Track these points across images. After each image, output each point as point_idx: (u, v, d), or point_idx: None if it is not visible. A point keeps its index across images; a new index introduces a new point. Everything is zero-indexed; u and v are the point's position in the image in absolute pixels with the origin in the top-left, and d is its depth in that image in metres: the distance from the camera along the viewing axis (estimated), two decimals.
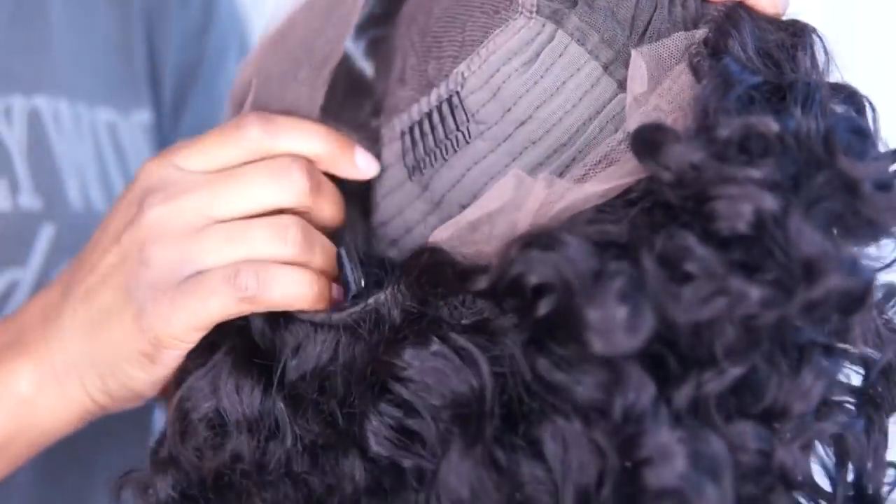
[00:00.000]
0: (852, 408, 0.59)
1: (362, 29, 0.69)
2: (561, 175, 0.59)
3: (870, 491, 0.59)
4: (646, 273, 0.52)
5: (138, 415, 0.75)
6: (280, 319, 0.62)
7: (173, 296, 0.61)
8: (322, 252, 0.63)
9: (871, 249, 0.56)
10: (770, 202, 0.52)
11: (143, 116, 0.92)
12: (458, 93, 0.60)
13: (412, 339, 0.57)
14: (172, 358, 0.63)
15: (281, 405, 0.60)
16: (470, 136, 0.60)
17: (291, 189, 0.63)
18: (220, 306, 0.61)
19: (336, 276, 0.63)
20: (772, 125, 0.54)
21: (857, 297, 0.53)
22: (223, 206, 0.62)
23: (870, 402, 0.60)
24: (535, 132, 0.59)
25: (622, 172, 0.57)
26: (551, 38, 0.59)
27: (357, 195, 0.66)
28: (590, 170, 0.58)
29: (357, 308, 0.60)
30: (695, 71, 0.58)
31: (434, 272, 0.58)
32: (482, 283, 0.56)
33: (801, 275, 0.52)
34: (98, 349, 0.64)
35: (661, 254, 0.53)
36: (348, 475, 0.57)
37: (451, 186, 0.61)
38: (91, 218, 0.84)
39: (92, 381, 0.65)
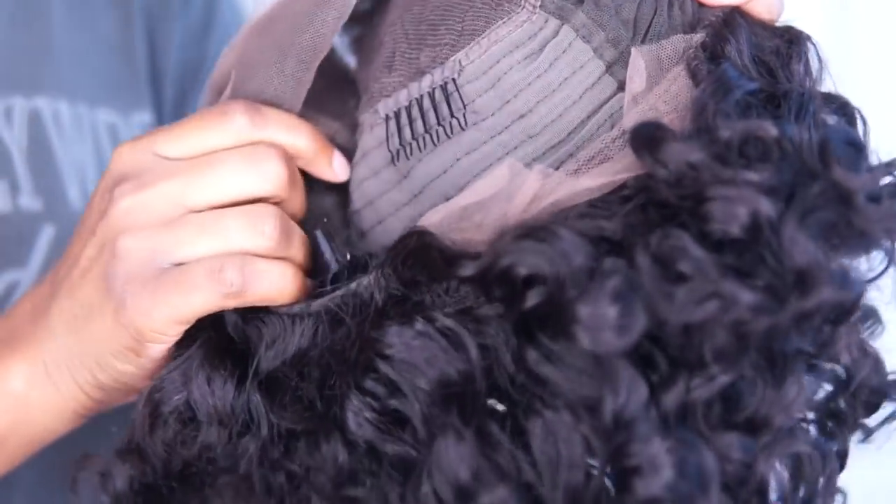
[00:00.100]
0: (813, 426, 0.59)
1: (348, 24, 0.69)
2: (555, 170, 0.59)
3: None
4: (640, 271, 0.52)
5: None
6: (255, 312, 0.61)
7: (154, 290, 0.60)
8: (298, 243, 0.62)
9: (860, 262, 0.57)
10: (767, 207, 0.52)
11: (143, 117, 0.92)
12: (454, 80, 0.60)
13: (397, 319, 0.57)
14: (158, 350, 0.62)
15: (256, 396, 0.59)
16: (466, 124, 0.60)
17: (269, 178, 0.62)
18: (203, 301, 0.60)
19: (308, 267, 0.63)
20: (771, 130, 0.54)
21: (846, 310, 0.53)
22: (197, 194, 0.61)
23: (834, 421, 0.60)
24: (534, 126, 0.59)
25: (616, 169, 0.57)
26: (555, 33, 0.59)
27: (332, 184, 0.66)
28: (583, 165, 0.58)
29: (339, 293, 0.60)
30: (693, 74, 0.59)
31: (422, 255, 0.58)
32: (471, 268, 0.56)
33: (793, 284, 0.52)
34: (84, 345, 0.64)
35: (655, 252, 0.53)
36: (328, 460, 0.57)
37: (437, 175, 0.61)
38: None
39: (83, 376, 0.65)
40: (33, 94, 0.86)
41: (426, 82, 0.61)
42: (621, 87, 0.59)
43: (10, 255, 0.82)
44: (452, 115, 0.60)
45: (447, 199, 0.60)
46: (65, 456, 0.76)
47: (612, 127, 0.59)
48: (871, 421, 0.62)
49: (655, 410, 0.53)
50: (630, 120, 0.58)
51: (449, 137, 0.60)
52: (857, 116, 0.59)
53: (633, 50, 0.59)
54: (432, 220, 0.59)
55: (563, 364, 0.53)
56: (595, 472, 0.53)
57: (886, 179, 0.56)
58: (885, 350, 0.61)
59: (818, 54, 0.61)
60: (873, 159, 0.57)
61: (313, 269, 0.63)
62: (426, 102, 0.61)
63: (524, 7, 0.59)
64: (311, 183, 0.66)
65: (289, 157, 0.63)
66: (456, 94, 0.60)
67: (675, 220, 0.54)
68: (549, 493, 0.53)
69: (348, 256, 0.62)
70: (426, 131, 0.61)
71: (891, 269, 0.57)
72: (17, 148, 0.84)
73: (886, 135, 0.61)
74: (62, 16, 0.89)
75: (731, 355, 0.53)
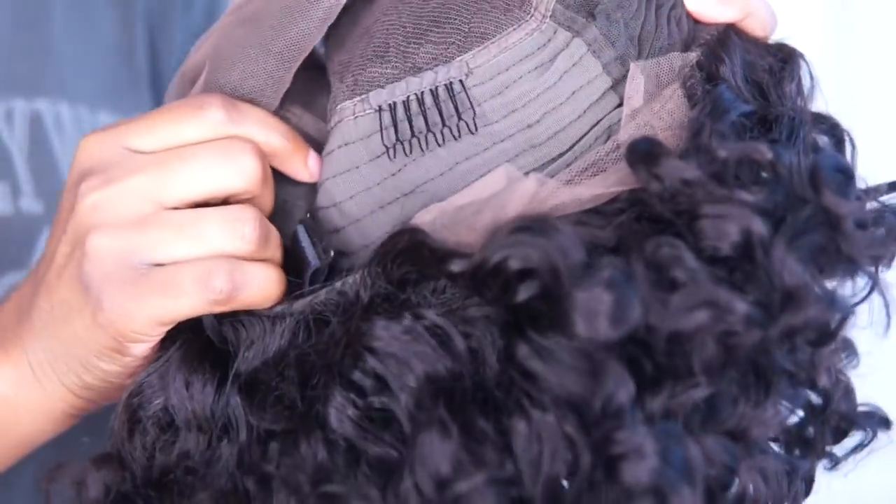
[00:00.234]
0: (782, 447, 0.60)
1: None
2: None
3: None
4: (635, 273, 0.53)
5: None
6: (234, 314, 0.60)
7: (136, 291, 0.59)
8: (275, 243, 0.61)
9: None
10: (759, 226, 0.53)
11: None
12: (461, 81, 0.59)
13: (385, 315, 0.56)
14: (142, 349, 0.61)
15: (236, 399, 0.58)
16: (476, 129, 0.59)
17: (243, 174, 0.60)
18: (189, 306, 0.59)
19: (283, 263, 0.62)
20: (766, 154, 0.55)
21: (831, 331, 0.54)
22: (170, 190, 0.59)
23: (802, 445, 0.61)
24: (538, 136, 0.59)
25: (610, 181, 0.58)
26: (566, 45, 0.59)
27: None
28: (576, 175, 0.58)
29: (322, 292, 0.59)
30: (688, 93, 0.59)
31: (413, 253, 0.57)
32: (463, 265, 0.55)
33: (782, 301, 0.53)
34: (66, 346, 0.63)
35: (650, 259, 0.53)
36: (307, 458, 0.56)
37: (432, 177, 0.60)
38: None
39: (69, 378, 0.64)
40: (34, 97, 0.86)
41: (428, 79, 0.60)
42: (622, 102, 0.60)
43: (12, 258, 0.83)
44: (460, 118, 0.59)
45: (439, 202, 0.60)
46: (67, 451, 0.77)
47: (608, 139, 0.60)
48: (839, 449, 0.63)
49: (641, 409, 0.53)
50: (625, 134, 0.58)
51: (456, 140, 0.59)
52: (846, 138, 0.60)
53: (632, 65, 0.59)
54: (424, 219, 0.59)
55: (552, 360, 0.53)
56: (577, 468, 0.53)
57: (872, 204, 0.57)
58: (858, 376, 0.62)
59: (810, 73, 0.62)
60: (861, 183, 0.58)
61: (287, 263, 0.62)
62: (428, 99, 0.60)
63: (533, 15, 0.59)
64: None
65: (262, 154, 0.61)
66: (464, 96, 0.59)
67: (670, 234, 0.54)
68: (529, 490, 0.53)
69: (331, 254, 0.61)
70: (429, 130, 0.60)
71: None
72: (18, 150, 0.85)
73: (886, 135, 0.61)
74: (63, 18, 0.89)
75: (717, 366, 0.54)
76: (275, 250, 0.61)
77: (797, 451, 0.61)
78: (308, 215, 0.62)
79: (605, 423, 0.52)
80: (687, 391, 0.54)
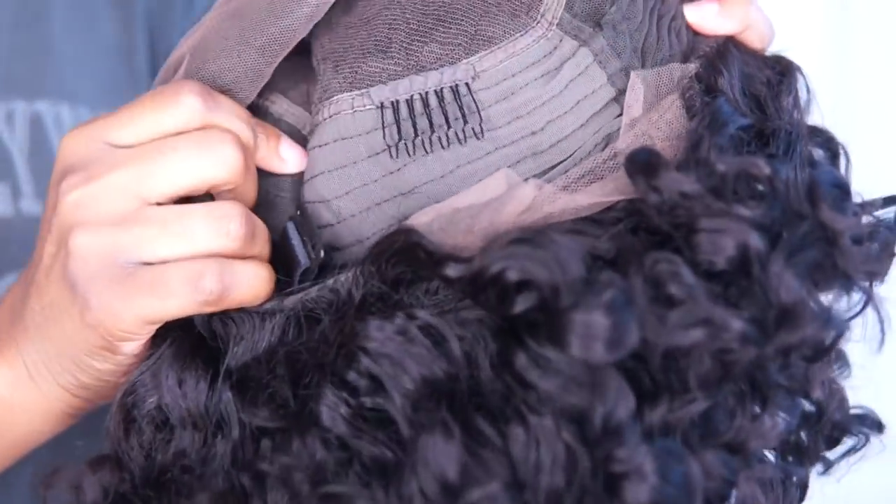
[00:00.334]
0: (776, 455, 0.61)
1: None
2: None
3: None
4: (634, 290, 0.53)
5: None
6: (224, 311, 0.60)
7: (123, 291, 0.58)
8: (262, 238, 0.61)
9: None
10: (756, 241, 0.53)
11: None
12: (467, 84, 0.59)
13: (378, 314, 0.56)
14: (132, 347, 0.61)
15: (228, 394, 0.58)
16: (482, 133, 0.59)
17: (224, 164, 0.59)
18: (179, 307, 0.58)
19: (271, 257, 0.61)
20: (765, 169, 0.55)
21: (826, 347, 0.54)
22: (152, 185, 0.59)
23: (796, 453, 0.61)
24: (541, 144, 0.59)
25: (608, 190, 0.58)
26: (573, 54, 0.60)
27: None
28: (573, 182, 0.58)
29: (314, 289, 0.59)
30: (687, 105, 0.60)
31: (409, 254, 0.57)
32: (460, 270, 0.55)
33: (778, 318, 0.53)
34: (58, 346, 0.62)
35: (649, 274, 0.54)
36: (304, 457, 0.56)
37: (433, 179, 0.60)
38: None
39: (64, 378, 0.64)
40: (35, 98, 0.86)
41: (433, 79, 0.59)
42: (622, 111, 0.60)
43: (12, 259, 0.83)
44: (465, 121, 0.59)
45: (437, 204, 0.59)
46: (61, 455, 0.77)
47: (605, 147, 0.60)
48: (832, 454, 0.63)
49: (640, 424, 0.53)
50: (623, 143, 0.59)
51: (461, 143, 0.59)
52: (841, 151, 0.60)
53: (632, 74, 0.60)
54: (421, 220, 0.58)
55: (551, 371, 0.53)
56: (576, 477, 0.53)
57: (867, 219, 0.57)
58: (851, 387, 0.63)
59: (807, 85, 0.62)
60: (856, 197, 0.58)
61: (276, 257, 0.61)
62: (433, 100, 0.59)
63: (539, 22, 0.60)
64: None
65: (242, 143, 0.60)
66: (469, 99, 0.59)
67: (667, 246, 0.55)
68: (530, 497, 0.53)
69: (322, 254, 0.60)
70: (433, 131, 0.59)
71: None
72: (19, 152, 0.85)
73: (887, 136, 0.62)
74: (63, 19, 0.90)
75: (714, 382, 0.54)
76: (262, 246, 0.61)
77: (791, 458, 0.62)
78: (298, 212, 0.62)
79: (605, 439, 0.52)
80: (685, 406, 0.54)
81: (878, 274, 0.59)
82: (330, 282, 0.59)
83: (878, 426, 0.64)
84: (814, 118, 0.62)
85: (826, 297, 0.57)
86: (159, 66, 0.95)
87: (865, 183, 0.61)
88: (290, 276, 0.61)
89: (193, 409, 0.59)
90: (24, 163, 0.85)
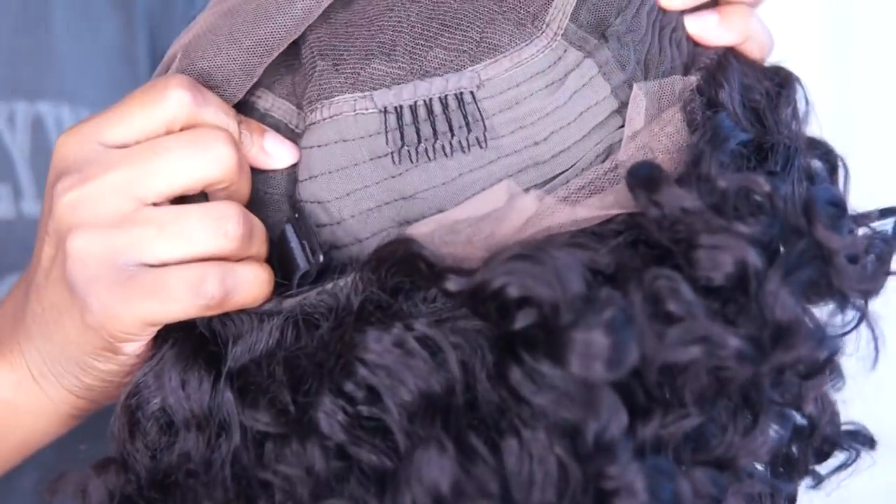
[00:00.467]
0: (766, 468, 0.61)
1: None
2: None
3: None
4: (633, 307, 0.54)
5: None
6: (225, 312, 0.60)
7: (124, 293, 0.58)
8: (260, 238, 0.61)
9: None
10: (754, 258, 0.54)
11: None
12: (472, 93, 0.59)
13: (376, 324, 0.56)
14: (134, 348, 0.61)
15: (230, 395, 0.58)
16: (486, 143, 0.59)
17: (218, 162, 0.59)
18: (180, 311, 0.59)
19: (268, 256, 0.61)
20: (765, 186, 0.56)
21: (820, 366, 0.55)
22: (147, 185, 0.58)
23: (787, 466, 0.62)
24: (543, 154, 0.59)
25: (608, 203, 0.58)
26: (577, 65, 0.60)
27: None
28: (573, 193, 0.59)
29: (312, 293, 0.59)
30: (688, 118, 0.60)
31: (409, 265, 0.57)
32: (460, 284, 0.55)
33: (774, 337, 0.54)
34: (60, 348, 0.63)
35: (648, 290, 0.54)
36: (304, 468, 0.56)
37: (434, 185, 0.60)
38: None
39: (67, 379, 0.64)
40: (36, 100, 0.87)
41: (438, 85, 0.59)
42: (624, 123, 0.60)
43: (14, 260, 0.83)
44: (469, 130, 0.59)
45: (439, 211, 0.60)
46: (63, 460, 0.78)
47: (606, 158, 0.60)
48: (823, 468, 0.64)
49: (633, 439, 0.54)
50: (624, 155, 0.59)
51: (464, 152, 0.59)
52: (840, 164, 0.61)
53: (634, 86, 0.60)
54: (421, 230, 0.58)
55: (546, 386, 0.53)
56: (567, 492, 0.54)
57: (864, 230, 0.58)
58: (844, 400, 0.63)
59: (806, 97, 0.62)
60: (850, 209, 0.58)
61: (272, 255, 0.61)
62: (437, 107, 0.59)
63: (545, 32, 0.59)
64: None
65: (236, 141, 0.60)
66: (474, 108, 0.59)
67: (667, 262, 0.55)
68: None
69: (321, 258, 0.60)
70: (437, 138, 0.59)
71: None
72: (20, 153, 0.85)
73: (885, 146, 0.62)
74: (64, 21, 0.90)
75: (708, 398, 0.55)
76: (260, 245, 0.61)
77: (781, 471, 0.62)
78: (297, 215, 0.61)
79: (597, 455, 0.53)
80: (678, 420, 0.55)
81: (872, 292, 0.60)
82: (329, 286, 0.59)
83: (870, 442, 0.65)
84: (812, 128, 0.63)
85: (822, 312, 0.57)
86: None
87: (863, 193, 0.61)
88: (287, 277, 0.60)
89: (197, 411, 0.59)
90: (26, 164, 0.85)
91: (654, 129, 0.59)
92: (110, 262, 0.58)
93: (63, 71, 0.89)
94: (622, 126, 0.60)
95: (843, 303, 0.58)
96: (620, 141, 0.60)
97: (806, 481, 0.63)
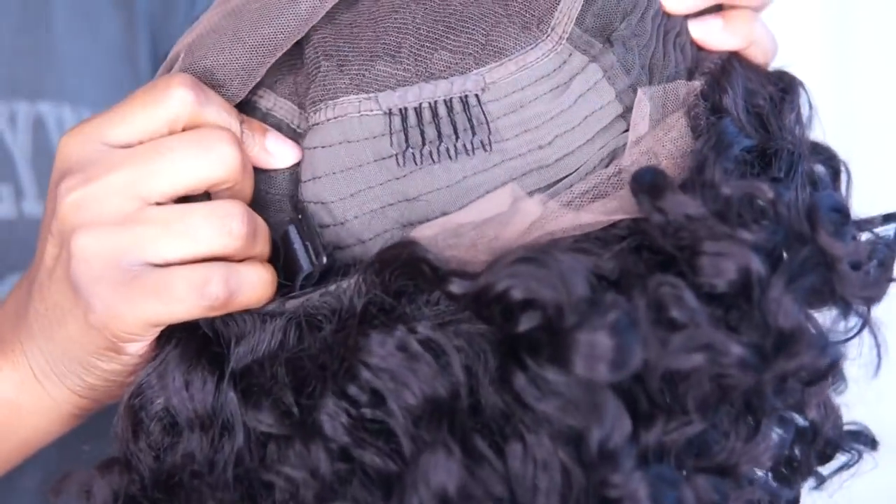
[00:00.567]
0: (768, 473, 0.61)
1: None
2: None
3: None
4: (637, 312, 0.54)
5: None
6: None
7: (128, 294, 0.58)
8: (263, 237, 0.61)
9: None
10: (758, 265, 0.54)
11: None
12: (477, 96, 0.59)
13: (380, 327, 0.56)
14: (137, 348, 0.61)
15: (233, 396, 0.58)
16: (491, 146, 0.59)
17: (222, 162, 0.59)
18: (184, 312, 0.59)
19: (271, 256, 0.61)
20: (769, 193, 0.56)
21: (823, 374, 0.55)
22: (152, 185, 0.58)
23: (789, 469, 0.62)
24: (548, 158, 0.59)
25: (611, 208, 0.58)
26: (582, 69, 0.60)
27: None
28: (576, 198, 0.59)
29: (315, 294, 0.59)
30: (692, 123, 0.60)
31: (413, 268, 0.57)
32: (464, 287, 0.55)
33: (777, 345, 0.54)
34: (62, 348, 0.63)
35: (652, 297, 0.54)
36: (308, 471, 0.56)
37: (439, 188, 0.60)
38: None
39: (71, 380, 0.64)
40: (37, 100, 0.87)
41: (443, 88, 0.59)
42: (629, 128, 0.60)
43: (15, 260, 0.83)
44: (474, 133, 0.59)
45: (443, 214, 0.60)
46: (66, 459, 0.78)
47: (609, 163, 0.60)
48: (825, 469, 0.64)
49: (636, 446, 0.54)
50: (628, 159, 0.59)
51: (469, 155, 0.59)
52: (843, 168, 0.61)
53: (639, 91, 0.60)
54: (425, 233, 0.58)
55: (550, 392, 0.53)
56: (571, 498, 0.54)
57: (867, 235, 0.58)
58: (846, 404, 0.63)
59: (809, 102, 0.62)
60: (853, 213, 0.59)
61: (275, 256, 0.61)
62: (441, 110, 0.59)
63: (550, 36, 0.59)
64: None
65: (239, 141, 0.60)
66: (479, 111, 0.59)
67: (671, 268, 0.55)
68: None
69: (324, 260, 0.60)
70: (441, 141, 0.59)
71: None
72: (22, 153, 0.85)
73: (888, 150, 0.62)
74: (65, 21, 0.90)
75: (711, 405, 0.55)
76: (263, 245, 0.61)
77: (783, 475, 0.62)
78: (300, 216, 0.61)
79: (600, 463, 0.53)
80: (680, 427, 0.55)
81: (875, 299, 0.60)
82: (332, 288, 0.59)
83: (872, 443, 0.65)
84: (816, 133, 0.63)
85: (825, 318, 0.57)
86: None
87: (866, 198, 0.61)
88: (290, 278, 0.61)
89: (200, 411, 0.59)
90: (27, 164, 0.85)
91: (658, 133, 0.59)
92: (114, 262, 0.59)
93: (64, 71, 0.89)
94: (626, 130, 0.60)
95: (846, 309, 0.58)
96: (624, 145, 0.60)
97: (808, 482, 0.64)
